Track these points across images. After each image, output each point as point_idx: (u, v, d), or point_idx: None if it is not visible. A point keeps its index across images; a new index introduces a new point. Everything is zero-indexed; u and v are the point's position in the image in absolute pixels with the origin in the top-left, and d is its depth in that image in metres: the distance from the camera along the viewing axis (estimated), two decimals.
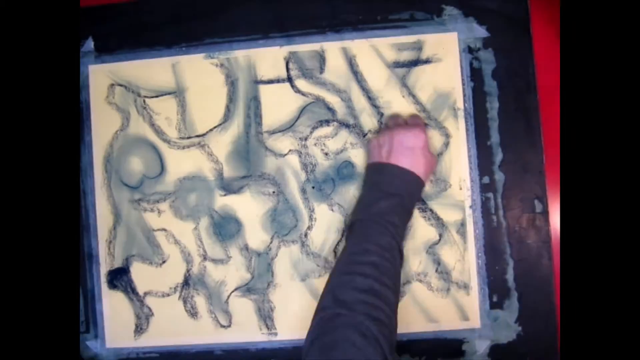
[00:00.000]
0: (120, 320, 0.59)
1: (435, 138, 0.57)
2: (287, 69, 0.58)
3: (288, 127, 0.58)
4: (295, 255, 0.58)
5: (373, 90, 0.58)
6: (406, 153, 0.50)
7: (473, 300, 0.57)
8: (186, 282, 0.59)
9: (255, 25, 0.59)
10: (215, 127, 0.59)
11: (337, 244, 0.57)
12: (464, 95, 0.57)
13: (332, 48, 0.58)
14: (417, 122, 0.55)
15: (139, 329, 0.59)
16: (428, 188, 0.57)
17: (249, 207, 0.58)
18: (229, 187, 0.59)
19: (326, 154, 0.58)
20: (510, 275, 0.56)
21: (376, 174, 0.52)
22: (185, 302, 0.58)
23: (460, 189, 0.57)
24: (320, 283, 0.57)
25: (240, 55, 0.59)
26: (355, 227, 0.49)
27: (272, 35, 0.59)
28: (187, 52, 0.59)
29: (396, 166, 0.50)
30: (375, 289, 0.44)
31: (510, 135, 0.57)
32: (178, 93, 0.59)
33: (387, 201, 0.49)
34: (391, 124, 0.56)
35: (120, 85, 0.60)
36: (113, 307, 0.59)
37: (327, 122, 0.58)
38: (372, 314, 0.41)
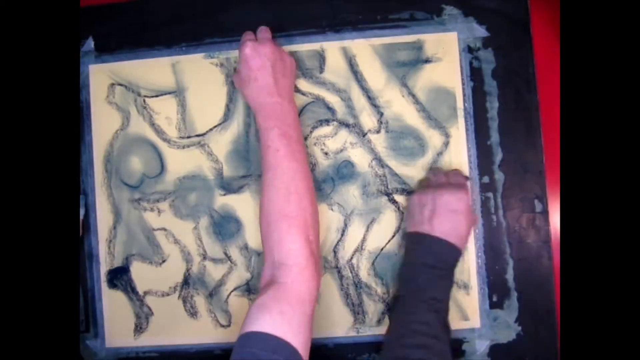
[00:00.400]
0: (120, 320, 0.59)
1: (435, 138, 0.57)
2: None
3: None
4: None
5: (373, 89, 0.58)
6: (449, 217, 0.49)
7: (473, 300, 0.57)
8: (186, 282, 0.59)
9: (255, 25, 0.59)
10: (215, 127, 0.59)
11: (337, 243, 0.57)
12: (464, 95, 0.57)
13: (332, 48, 0.58)
14: (461, 182, 0.53)
15: (139, 329, 0.59)
16: None
17: (249, 207, 0.58)
18: (228, 187, 0.59)
19: (326, 153, 0.58)
20: (510, 275, 0.56)
21: (416, 245, 0.51)
22: (184, 301, 0.59)
23: None
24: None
25: None
26: (398, 305, 0.50)
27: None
28: (187, 51, 0.59)
29: (435, 238, 0.49)
30: None
31: (510, 135, 0.57)
32: (178, 93, 0.59)
33: (427, 275, 0.49)
34: (434, 181, 0.54)
35: (121, 84, 0.60)
36: (113, 307, 0.59)
37: (326, 121, 0.58)
38: None
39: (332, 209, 0.58)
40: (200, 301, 0.58)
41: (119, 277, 0.59)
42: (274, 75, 0.50)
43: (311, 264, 0.45)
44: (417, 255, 0.51)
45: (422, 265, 0.49)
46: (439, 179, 0.54)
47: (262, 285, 0.47)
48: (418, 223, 0.51)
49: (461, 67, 0.57)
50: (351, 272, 0.57)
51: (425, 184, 0.55)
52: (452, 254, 0.50)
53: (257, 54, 0.50)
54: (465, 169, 0.57)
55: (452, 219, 0.49)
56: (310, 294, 0.45)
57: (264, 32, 0.53)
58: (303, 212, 0.47)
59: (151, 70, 0.59)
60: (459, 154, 0.57)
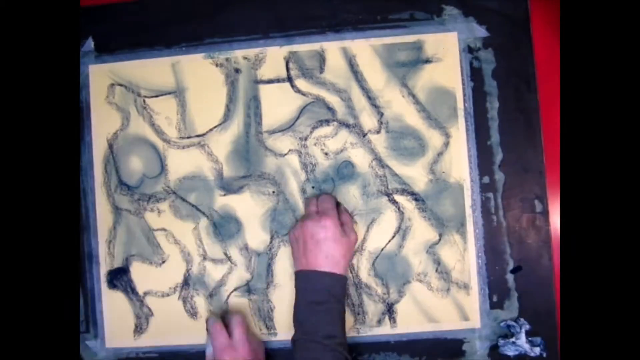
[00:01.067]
0: (120, 320, 0.59)
1: (435, 138, 0.57)
2: (287, 69, 0.58)
3: (288, 127, 0.58)
4: None
5: (373, 90, 0.58)
6: (319, 247, 0.50)
7: (473, 300, 0.56)
8: (186, 282, 0.59)
9: (255, 25, 0.59)
10: (215, 127, 0.59)
11: None
12: (464, 95, 0.57)
13: (332, 48, 0.58)
14: (324, 208, 0.53)
15: (139, 329, 0.59)
16: (428, 188, 0.57)
17: (249, 207, 0.58)
18: (228, 187, 0.59)
19: (326, 153, 0.58)
20: (510, 275, 0.56)
21: (299, 283, 0.52)
22: (184, 302, 0.58)
23: (461, 188, 0.57)
24: None
25: (240, 55, 0.59)
26: (295, 350, 0.50)
27: (272, 35, 0.59)
28: (187, 52, 0.59)
29: (315, 272, 0.50)
30: None
31: (510, 135, 0.57)
32: (178, 93, 0.59)
33: (316, 315, 0.50)
34: (305, 213, 0.55)
35: (120, 85, 0.60)
36: (113, 307, 0.59)
37: (327, 121, 0.58)
38: None
39: None
40: (200, 301, 0.58)
41: (119, 277, 0.59)
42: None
43: None
44: (301, 294, 0.51)
45: (308, 304, 0.50)
46: (309, 210, 0.54)
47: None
48: (297, 260, 0.53)
49: (461, 67, 0.57)
50: (351, 272, 0.57)
51: (301, 217, 0.56)
52: (334, 283, 0.50)
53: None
54: (466, 169, 0.57)
55: (321, 248, 0.50)
56: None
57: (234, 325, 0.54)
58: None
59: (151, 70, 0.59)
60: (459, 154, 0.57)
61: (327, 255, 0.50)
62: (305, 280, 0.51)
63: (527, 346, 0.54)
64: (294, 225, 0.56)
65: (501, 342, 0.55)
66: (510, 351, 0.54)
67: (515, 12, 0.57)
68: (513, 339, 0.54)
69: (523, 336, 0.54)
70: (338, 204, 0.56)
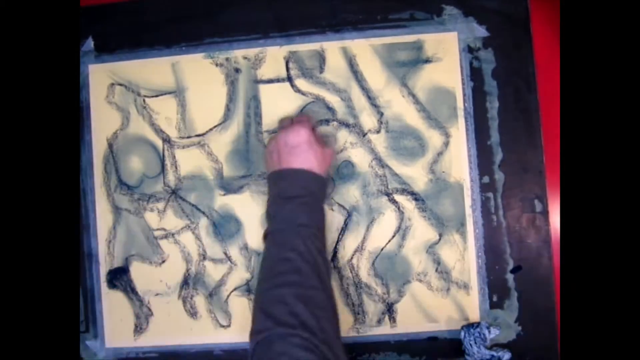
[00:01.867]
0: (120, 320, 0.59)
1: (435, 138, 0.57)
2: (287, 69, 0.58)
3: None
4: None
5: (373, 89, 0.58)
6: (293, 152, 0.49)
7: (473, 300, 0.57)
8: (186, 282, 0.59)
9: (255, 24, 0.59)
10: (215, 127, 0.59)
11: (337, 243, 0.57)
12: (464, 95, 0.57)
13: (332, 48, 0.58)
14: (300, 120, 0.53)
15: (139, 329, 0.59)
16: (428, 188, 0.57)
17: (249, 207, 0.58)
18: (228, 187, 0.59)
19: None
20: (510, 275, 0.56)
21: (273, 183, 0.51)
22: (184, 301, 0.58)
23: (461, 188, 0.57)
24: None
25: (240, 54, 0.59)
26: (267, 240, 0.49)
27: (272, 34, 0.59)
28: (187, 51, 0.59)
29: (289, 169, 0.49)
30: (305, 295, 0.43)
31: (510, 135, 0.57)
32: (178, 92, 0.59)
33: (289, 205, 0.48)
34: (278, 128, 0.55)
35: (120, 84, 0.60)
36: (113, 307, 0.59)
37: (327, 121, 0.58)
38: (308, 323, 0.40)
39: (332, 209, 0.58)
40: (200, 301, 0.58)
41: (119, 277, 0.59)
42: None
43: None
44: (273, 191, 0.50)
45: (282, 199, 0.49)
46: (283, 123, 0.54)
47: None
48: (271, 166, 0.52)
49: (461, 67, 0.57)
50: (351, 272, 0.57)
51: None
52: (310, 180, 0.49)
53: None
54: (466, 169, 0.57)
55: (297, 152, 0.49)
56: None
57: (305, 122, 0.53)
58: None
59: (151, 70, 0.59)
60: (459, 154, 0.57)
61: (302, 160, 0.49)
62: (277, 178, 0.50)
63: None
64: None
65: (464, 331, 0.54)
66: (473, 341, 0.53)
67: (515, 12, 0.57)
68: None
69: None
70: (314, 126, 0.56)
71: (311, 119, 0.56)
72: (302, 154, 0.49)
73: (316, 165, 0.50)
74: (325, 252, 0.48)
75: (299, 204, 0.48)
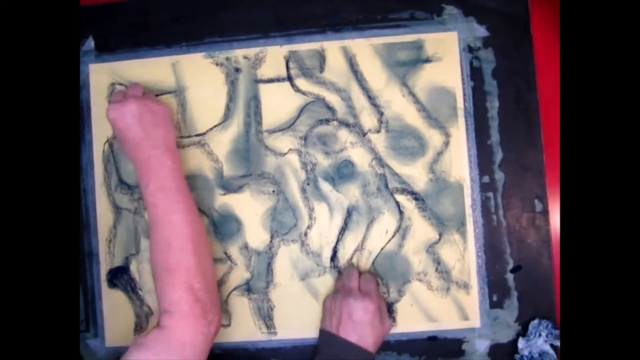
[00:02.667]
0: (120, 319, 0.59)
1: (435, 137, 0.57)
2: (287, 68, 0.59)
3: (288, 126, 0.58)
4: (295, 254, 0.58)
5: (373, 89, 0.58)
6: (354, 327, 0.50)
7: (473, 300, 0.57)
8: None
9: (256, 24, 0.59)
10: (215, 126, 0.59)
11: (337, 243, 0.57)
12: (464, 95, 0.57)
13: (332, 47, 0.58)
14: (369, 289, 0.53)
15: (139, 328, 0.59)
16: (428, 187, 0.57)
17: (249, 206, 0.58)
18: (228, 186, 0.59)
19: (326, 153, 0.58)
20: (510, 275, 0.56)
21: (327, 346, 0.51)
22: None
23: (461, 188, 0.57)
24: (320, 282, 0.57)
25: (240, 54, 0.59)
26: None
27: (272, 34, 0.59)
28: (187, 51, 0.59)
29: (345, 341, 0.49)
30: None
31: (510, 134, 0.57)
32: (178, 92, 0.59)
33: None
34: (345, 286, 0.53)
35: (121, 84, 0.60)
36: (113, 306, 0.59)
37: (327, 121, 0.58)
38: None
39: (332, 209, 0.58)
40: None
41: (119, 276, 0.59)
42: (143, 130, 0.50)
43: (197, 309, 0.47)
44: (329, 354, 0.50)
45: None
46: (351, 284, 0.53)
47: (150, 328, 0.49)
48: (328, 327, 0.52)
49: (461, 66, 0.57)
50: None
51: (338, 287, 0.55)
52: (360, 357, 0.49)
53: (121, 114, 0.50)
54: (466, 169, 0.57)
55: (357, 329, 0.50)
56: (195, 338, 0.46)
57: (132, 89, 0.54)
58: (185, 263, 0.48)
59: (151, 69, 0.59)
60: (459, 154, 0.57)
61: (361, 336, 0.49)
62: (332, 344, 0.50)
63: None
64: (331, 293, 0.55)
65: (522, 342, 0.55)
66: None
67: (515, 12, 0.57)
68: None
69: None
70: (377, 284, 0.56)
71: (376, 282, 0.55)
72: (363, 332, 0.49)
73: (372, 344, 0.50)
74: None
75: None
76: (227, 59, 0.59)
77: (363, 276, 0.54)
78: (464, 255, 0.57)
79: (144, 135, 0.50)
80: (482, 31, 0.57)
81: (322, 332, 0.52)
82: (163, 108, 0.53)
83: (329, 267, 0.57)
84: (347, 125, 0.58)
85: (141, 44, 0.60)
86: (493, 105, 0.57)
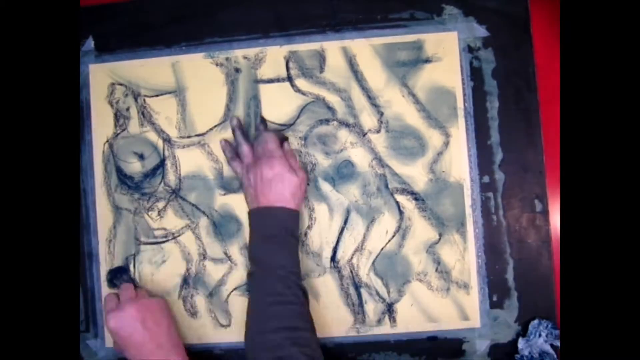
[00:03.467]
0: None
1: (435, 137, 0.57)
2: (287, 68, 0.59)
3: (288, 127, 0.58)
4: None
5: (373, 89, 0.58)
6: (269, 186, 0.52)
7: (473, 300, 0.57)
8: (186, 282, 0.59)
9: (255, 24, 0.59)
10: (215, 126, 0.59)
11: (337, 243, 0.57)
12: (464, 95, 0.57)
13: (332, 47, 0.58)
14: (271, 149, 0.53)
15: None
16: (428, 187, 0.57)
17: None
18: (229, 186, 0.59)
19: (326, 153, 0.58)
20: (510, 275, 0.56)
21: (253, 221, 0.53)
22: (184, 301, 0.58)
23: (461, 188, 0.57)
24: (320, 283, 0.57)
25: (240, 54, 0.59)
26: (250, 281, 0.52)
27: (272, 34, 0.59)
28: (187, 51, 0.59)
29: (265, 207, 0.52)
30: (293, 337, 0.47)
31: (510, 134, 0.57)
32: (178, 92, 0.59)
33: (268, 245, 0.51)
34: (254, 155, 0.55)
35: (121, 84, 0.60)
36: None
37: (327, 121, 0.58)
38: None
39: (332, 209, 0.58)
40: (200, 301, 0.58)
41: (119, 276, 0.59)
42: (147, 331, 0.50)
43: None
44: (255, 230, 0.53)
45: (262, 238, 0.52)
46: (256, 152, 0.54)
47: None
48: (250, 202, 0.54)
49: (461, 66, 0.57)
50: (351, 272, 0.57)
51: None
52: (286, 217, 0.52)
53: (121, 321, 0.50)
54: (466, 169, 0.57)
55: (271, 187, 0.52)
56: None
57: (124, 292, 0.54)
58: None
59: (151, 69, 0.59)
60: (459, 154, 0.57)
61: (276, 193, 0.52)
62: (258, 216, 0.52)
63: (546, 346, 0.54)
64: (242, 170, 0.55)
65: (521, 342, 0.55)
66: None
67: (515, 12, 0.57)
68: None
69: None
70: (282, 143, 0.56)
71: (277, 139, 0.55)
72: (277, 189, 0.52)
73: (290, 198, 0.52)
74: (302, 284, 0.52)
75: (279, 244, 0.51)
76: (227, 59, 0.59)
77: (264, 137, 0.54)
78: (464, 255, 0.57)
79: (149, 337, 0.50)
80: (482, 31, 0.57)
81: (249, 212, 0.54)
82: (159, 302, 0.54)
83: (329, 267, 0.57)
84: (347, 125, 0.58)
85: (141, 44, 0.60)
86: (493, 105, 0.57)
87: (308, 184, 0.57)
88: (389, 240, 0.57)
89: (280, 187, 0.52)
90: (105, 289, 0.59)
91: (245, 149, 0.55)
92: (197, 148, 0.59)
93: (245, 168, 0.54)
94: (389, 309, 0.57)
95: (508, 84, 0.57)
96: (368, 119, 0.58)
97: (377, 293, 0.57)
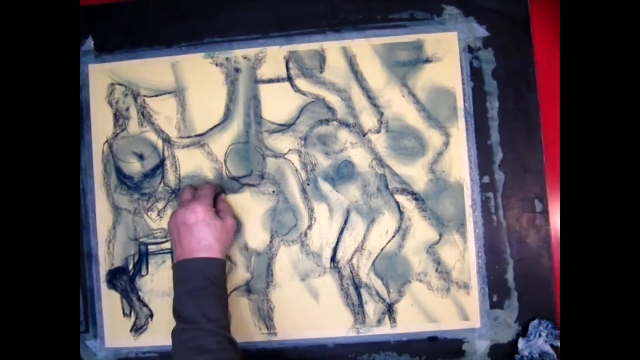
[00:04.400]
0: (120, 320, 0.59)
1: (435, 138, 0.57)
2: (287, 68, 0.58)
3: (288, 127, 0.58)
4: (295, 254, 0.58)
5: (373, 89, 0.58)
6: (190, 232, 0.50)
7: (473, 300, 0.57)
8: None
9: (255, 24, 0.59)
10: (215, 127, 0.59)
11: (337, 243, 0.57)
12: (464, 95, 0.57)
13: (332, 47, 0.58)
14: (199, 195, 0.53)
15: (139, 329, 0.59)
16: (428, 187, 0.57)
17: (249, 207, 0.58)
18: (228, 186, 0.59)
19: (326, 153, 0.58)
20: (510, 275, 0.56)
21: (176, 276, 0.51)
22: None
23: (461, 188, 0.57)
24: (320, 283, 0.57)
25: (240, 54, 0.59)
26: (175, 339, 0.48)
27: (272, 34, 0.59)
28: (187, 51, 0.59)
29: (187, 260, 0.49)
30: None
31: (510, 135, 0.57)
32: (178, 92, 0.59)
33: (191, 300, 0.48)
34: (182, 202, 0.54)
35: (120, 84, 0.60)
36: (112, 307, 0.59)
37: (327, 121, 0.58)
38: None
39: (332, 209, 0.58)
40: None
41: (119, 277, 0.59)
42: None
43: None
44: (178, 284, 0.50)
45: (186, 292, 0.49)
46: (182, 198, 0.54)
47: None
48: (174, 251, 0.52)
49: (461, 67, 0.57)
50: (351, 272, 0.57)
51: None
52: (208, 266, 0.50)
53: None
54: (466, 169, 0.57)
55: (193, 233, 0.50)
56: None
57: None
58: None
59: (151, 69, 0.59)
60: (459, 154, 0.57)
61: (199, 240, 0.50)
62: (180, 269, 0.50)
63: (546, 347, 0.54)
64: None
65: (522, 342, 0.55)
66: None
67: (515, 12, 0.57)
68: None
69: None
70: (219, 193, 0.56)
71: (212, 189, 0.55)
72: (200, 235, 0.50)
73: (217, 246, 0.50)
74: (231, 335, 0.49)
75: (203, 297, 0.48)
76: (227, 59, 0.59)
77: (199, 187, 0.55)
78: (464, 255, 0.57)
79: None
80: (482, 31, 0.57)
81: (173, 266, 0.52)
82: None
83: (329, 268, 0.57)
84: (347, 125, 0.58)
85: (141, 44, 0.60)
86: (493, 105, 0.57)
87: (237, 232, 0.55)
88: (389, 241, 0.57)
89: (202, 233, 0.50)
90: (104, 290, 0.59)
91: (185, 193, 0.54)
92: (196, 148, 0.59)
93: (172, 215, 0.53)
94: (389, 309, 0.57)
95: (508, 84, 0.57)
96: (368, 119, 0.58)
97: (377, 293, 0.57)
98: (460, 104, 0.57)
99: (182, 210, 0.51)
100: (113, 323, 0.59)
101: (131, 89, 0.59)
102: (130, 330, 0.59)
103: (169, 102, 0.59)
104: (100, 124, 0.60)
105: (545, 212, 0.56)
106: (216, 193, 0.56)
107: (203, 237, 0.50)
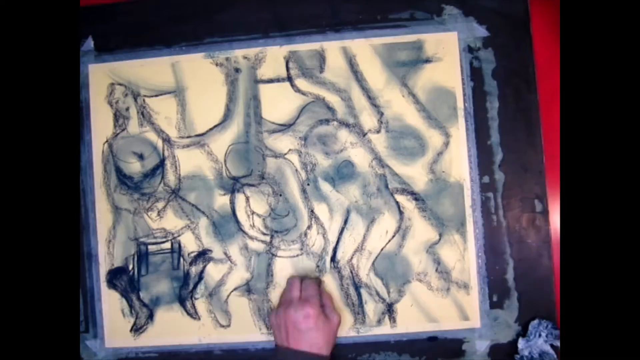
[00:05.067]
0: (120, 320, 0.59)
1: (435, 138, 0.57)
2: (287, 68, 0.58)
3: (288, 127, 0.58)
4: (295, 254, 0.58)
5: (373, 89, 0.58)
6: (302, 336, 0.50)
7: (473, 300, 0.57)
8: (186, 282, 0.58)
9: (255, 24, 0.59)
10: (215, 127, 0.59)
11: (337, 243, 0.57)
12: (464, 95, 0.57)
13: (332, 47, 0.58)
14: (308, 295, 0.52)
15: (138, 329, 0.59)
16: (428, 187, 0.57)
17: (249, 207, 0.58)
18: (228, 186, 0.59)
19: (326, 153, 0.58)
20: (510, 275, 0.56)
21: (281, 357, 0.51)
22: (184, 302, 0.58)
23: (461, 188, 0.57)
24: None
25: (240, 54, 0.59)
26: None
27: (272, 34, 0.59)
28: (187, 51, 0.59)
29: (297, 351, 0.50)
30: None
31: (510, 135, 0.57)
32: (178, 92, 0.59)
33: None
34: (284, 301, 0.53)
35: (120, 84, 0.60)
36: (112, 307, 0.59)
37: (327, 121, 0.58)
38: None
39: (332, 209, 0.58)
40: (200, 301, 0.58)
41: (119, 277, 0.59)
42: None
43: None
44: None
45: None
46: (292, 295, 0.53)
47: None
48: (280, 341, 0.52)
49: (461, 67, 0.57)
50: (351, 272, 0.57)
51: (281, 300, 0.54)
52: None
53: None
54: (466, 169, 0.57)
55: (305, 337, 0.50)
56: None
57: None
58: None
59: (151, 69, 0.59)
60: (459, 154, 0.57)
61: (310, 345, 0.50)
62: (286, 356, 0.50)
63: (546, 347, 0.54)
64: (275, 308, 0.54)
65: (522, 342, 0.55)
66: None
67: (515, 12, 0.57)
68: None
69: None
70: (319, 285, 0.55)
71: (317, 286, 0.54)
72: (311, 340, 0.50)
73: (324, 346, 0.50)
74: None
75: None
76: (227, 59, 0.59)
77: (304, 282, 0.54)
78: (464, 255, 0.57)
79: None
80: (482, 31, 0.57)
81: (277, 347, 0.52)
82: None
83: (329, 268, 0.57)
84: (347, 125, 0.58)
85: (141, 44, 0.60)
86: (493, 105, 0.57)
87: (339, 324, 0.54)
88: (389, 241, 0.57)
89: (314, 338, 0.50)
90: (104, 290, 0.59)
91: (293, 290, 0.54)
92: (196, 148, 0.59)
93: (280, 305, 0.53)
94: (389, 309, 0.57)
95: (508, 84, 0.57)
96: (368, 119, 0.58)
97: (377, 293, 0.57)
98: (460, 104, 0.57)
99: (293, 312, 0.50)
100: (113, 323, 0.59)
101: (131, 89, 0.59)
102: (130, 330, 0.59)
103: (169, 102, 0.59)
104: (100, 124, 0.60)
105: (545, 212, 0.56)
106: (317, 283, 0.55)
107: (314, 343, 0.50)
